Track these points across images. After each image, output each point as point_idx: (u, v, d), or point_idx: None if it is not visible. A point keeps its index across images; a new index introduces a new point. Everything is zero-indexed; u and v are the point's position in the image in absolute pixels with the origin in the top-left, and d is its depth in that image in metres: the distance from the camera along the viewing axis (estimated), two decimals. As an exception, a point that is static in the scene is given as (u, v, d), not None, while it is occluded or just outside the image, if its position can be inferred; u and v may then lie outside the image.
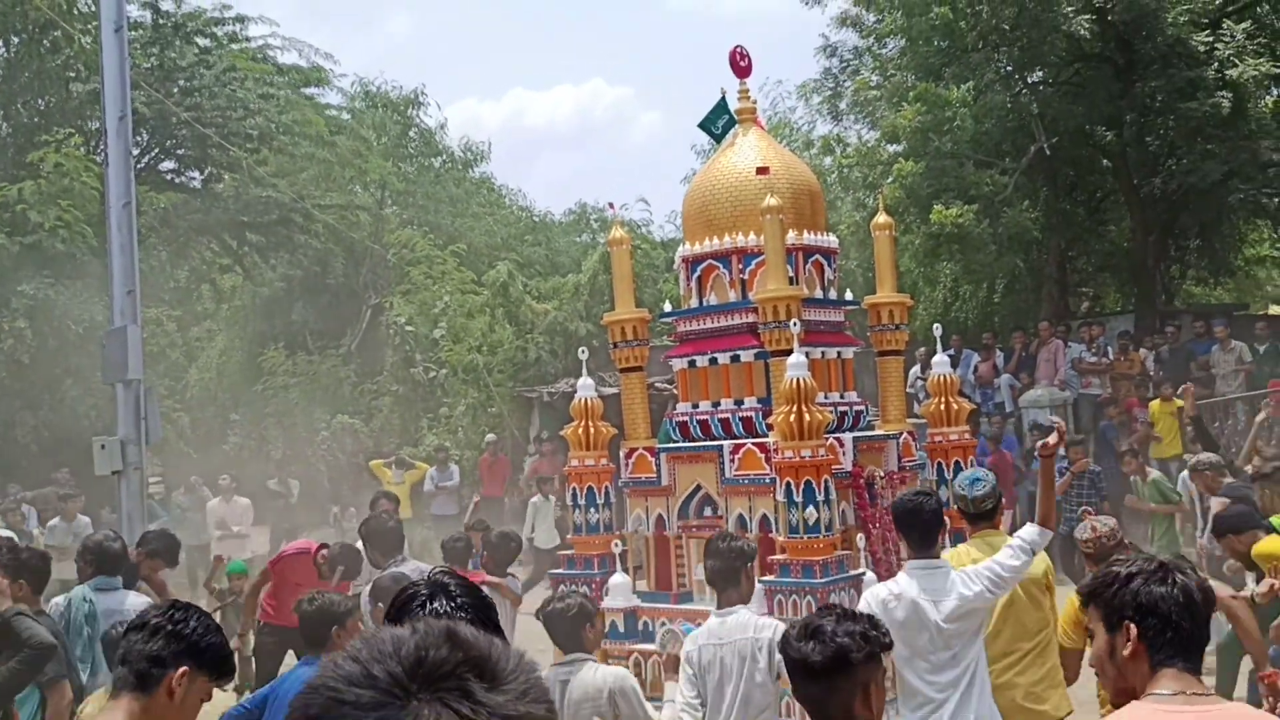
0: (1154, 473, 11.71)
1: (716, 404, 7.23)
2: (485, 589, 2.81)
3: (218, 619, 3.52)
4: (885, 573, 6.52)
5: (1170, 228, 18.87)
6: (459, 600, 2.40)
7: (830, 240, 7.59)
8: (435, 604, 2.37)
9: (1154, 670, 2.55)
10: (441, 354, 21.11)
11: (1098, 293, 22.20)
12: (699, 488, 7.09)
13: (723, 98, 7.58)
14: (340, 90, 29.09)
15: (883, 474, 7.05)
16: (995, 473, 6.71)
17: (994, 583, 4.99)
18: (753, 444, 6.79)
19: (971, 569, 5.07)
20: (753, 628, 5.02)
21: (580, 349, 8.02)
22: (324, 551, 8.30)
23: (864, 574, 6.33)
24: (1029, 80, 18.33)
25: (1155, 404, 13.89)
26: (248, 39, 24.99)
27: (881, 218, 7.92)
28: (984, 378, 16.17)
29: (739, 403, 7.13)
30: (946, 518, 5.94)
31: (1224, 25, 16.21)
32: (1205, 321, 15.77)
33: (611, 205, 26.59)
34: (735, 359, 7.15)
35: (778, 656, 4.83)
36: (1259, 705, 5.05)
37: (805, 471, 6.18)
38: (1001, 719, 5.05)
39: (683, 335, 7.61)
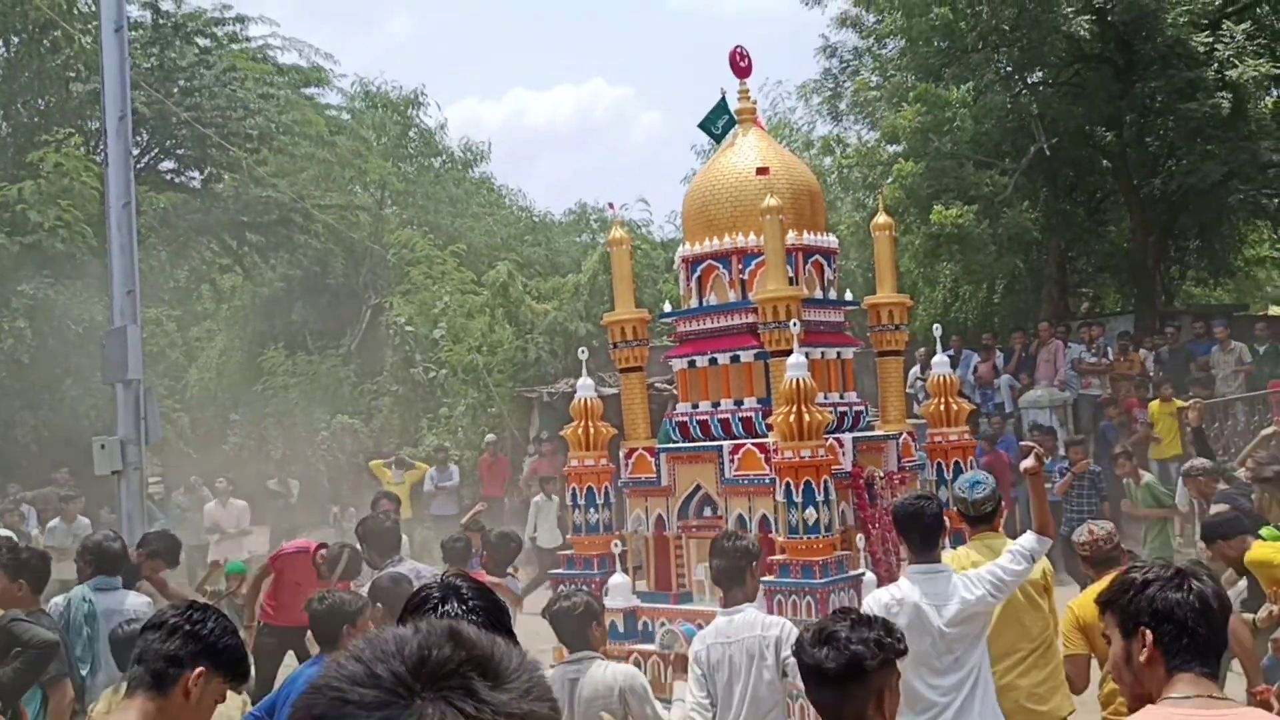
0: (1147, 476, 11.67)
1: (716, 404, 7.23)
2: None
3: None
4: (885, 573, 6.53)
5: (1170, 228, 18.87)
6: (471, 603, 2.39)
7: (830, 240, 7.59)
8: (447, 606, 2.36)
9: (1170, 675, 2.56)
10: (441, 354, 21.11)
11: (1098, 293, 22.20)
12: (699, 488, 7.09)
13: (723, 98, 7.58)
14: (340, 90, 29.13)
15: (882, 474, 7.06)
16: (991, 473, 6.72)
17: (996, 587, 5.01)
18: (752, 444, 6.79)
19: (973, 573, 5.08)
20: (760, 625, 5.03)
21: (580, 349, 8.02)
22: (323, 551, 8.30)
23: (863, 574, 6.34)
24: (1029, 81, 18.34)
25: (1155, 404, 13.89)
26: (248, 39, 25.00)
27: (881, 218, 7.93)
28: (984, 378, 16.16)
29: (739, 403, 7.13)
30: (946, 519, 5.94)
31: (1224, 26, 16.22)
32: (1205, 322, 15.78)
33: (611, 205, 26.59)
34: (735, 359, 7.16)
35: (784, 654, 4.85)
36: None
37: (805, 472, 6.19)
38: (1002, 717, 5.06)
39: (682, 335, 7.61)
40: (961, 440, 7.37)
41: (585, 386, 7.30)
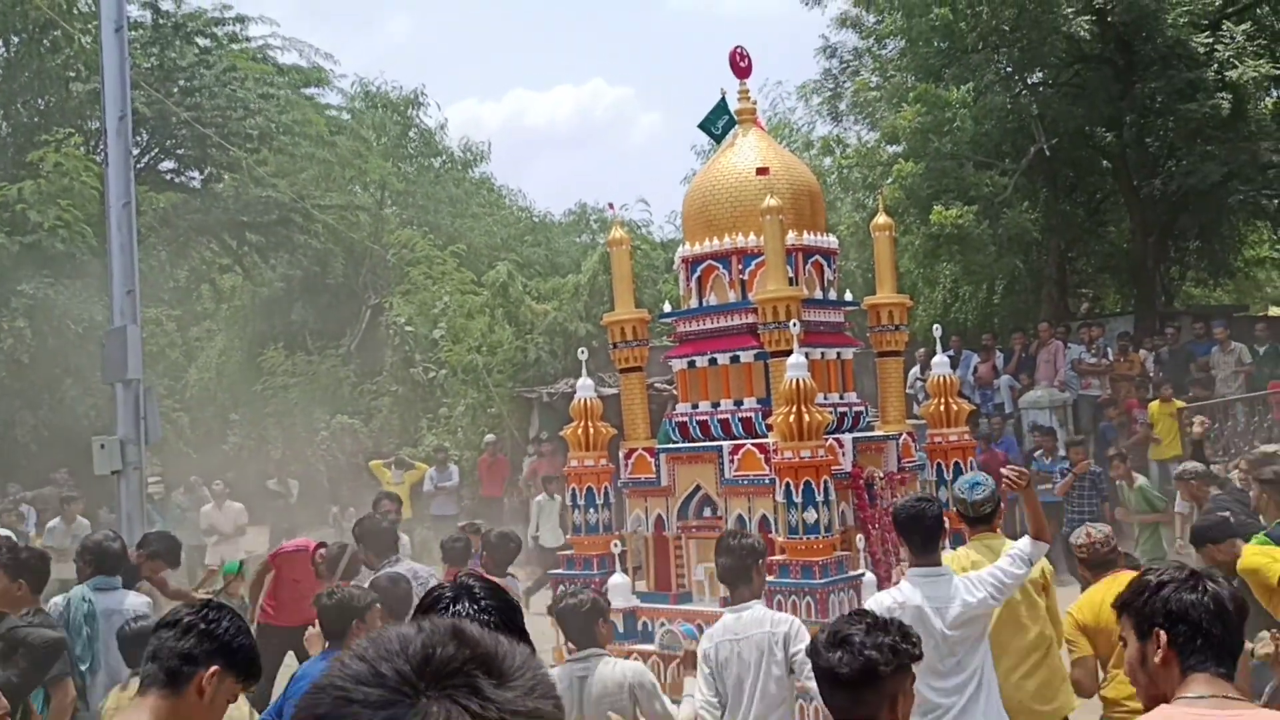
0: (1140, 479, 11.65)
1: (716, 404, 7.23)
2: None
3: None
4: (884, 574, 6.53)
5: (1170, 229, 18.87)
6: (483, 603, 2.38)
7: (830, 241, 7.59)
8: (459, 606, 2.36)
9: (1185, 676, 2.57)
10: (441, 354, 21.11)
11: (1097, 294, 22.20)
12: (698, 488, 7.08)
13: (723, 98, 7.58)
14: (340, 90, 29.16)
15: (882, 475, 7.05)
16: (986, 471, 6.72)
17: (997, 589, 5.05)
18: (752, 445, 6.79)
19: (974, 575, 5.11)
20: (769, 622, 5.06)
21: (580, 349, 8.02)
22: (322, 551, 8.30)
23: (863, 575, 6.34)
24: (1029, 81, 18.34)
25: (1155, 405, 13.89)
26: (248, 39, 25.02)
27: (881, 218, 7.92)
28: (983, 379, 16.16)
29: (738, 403, 7.13)
30: (946, 520, 5.95)
31: (1224, 26, 16.23)
32: (1205, 323, 15.78)
33: (611, 206, 26.55)
34: (735, 359, 7.15)
35: (793, 649, 4.86)
36: None
37: (805, 472, 6.19)
38: (1006, 718, 5.07)
39: (682, 336, 7.61)
40: (961, 441, 7.36)
41: (585, 387, 7.30)
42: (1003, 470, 5.45)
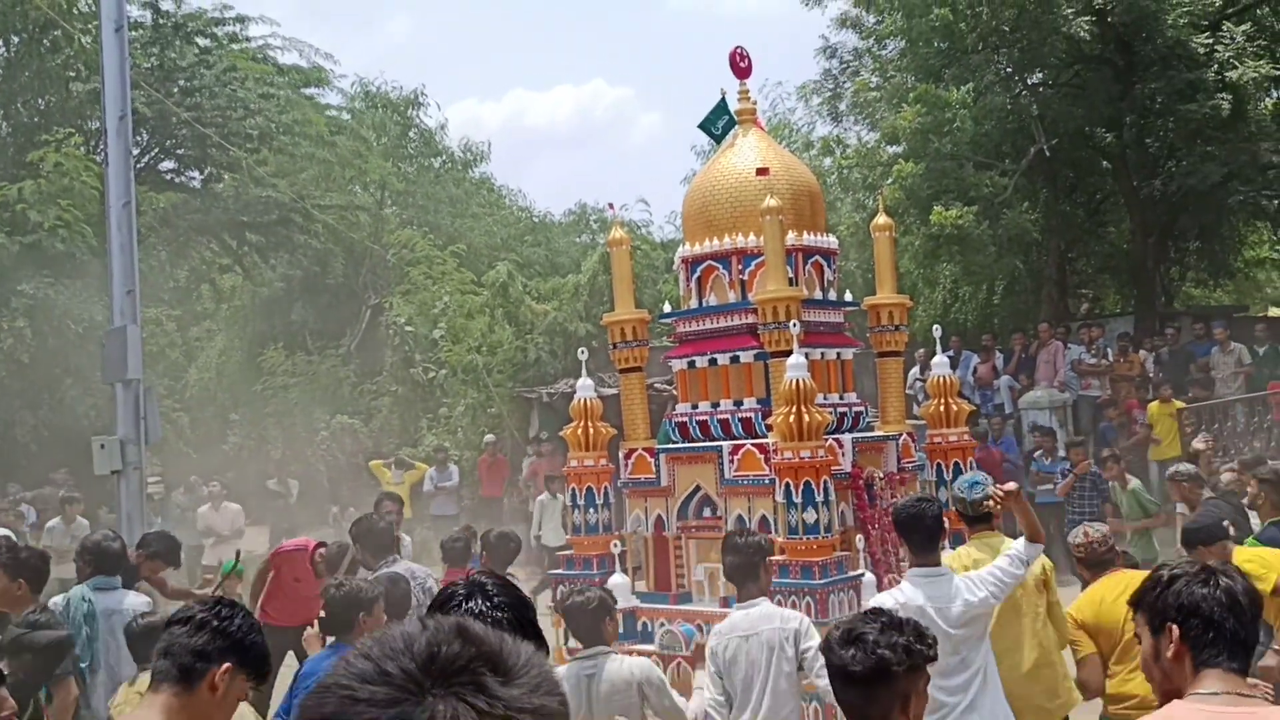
0: (1134, 481, 11.61)
1: (716, 405, 7.23)
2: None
3: None
4: (884, 574, 6.53)
5: (1170, 229, 18.88)
6: (496, 599, 2.37)
7: (830, 241, 7.59)
8: (472, 603, 2.34)
9: (1197, 671, 2.56)
10: (441, 354, 21.11)
11: (1097, 294, 22.20)
12: (698, 488, 7.08)
13: (723, 98, 7.58)
14: (340, 90, 29.20)
15: (882, 475, 7.05)
16: (983, 469, 6.72)
17: (998, 587, 5.08)
18: (752, 445, 6.78)
19: (975, 575, 5.13)
20: (779, 619, 5.07)
21: (580, 349, 8.02)
22: (321, 550, 8.30)
23: (863, 575, 6.34)
24: (1029, 82, 18.33)
25: (1154, 406, 13.89)
26: (248, 39, 25.04)
27: (881, 219, 7.92)
28: (983, 379, 16.16)
29: (738, 403, 7.13)
30: (946, 520, 5.95)
31: (1224, 27, 16.23)
32: (1205, 323, 15.78)
33: (611, 206, 26.58)
34: (735, 360, 7.15)
35: (803, 646, 4.87)
36: None
37: (804, 472, 6.19)
38: (1011, 715, 5.08)
39: (682, 336, 7.61)
40: (961, 441, 7.36)
41: (585, 387, 7.30)
42: (990, 490, 5.47)
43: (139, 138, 21.66)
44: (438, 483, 16.60)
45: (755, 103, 7.79)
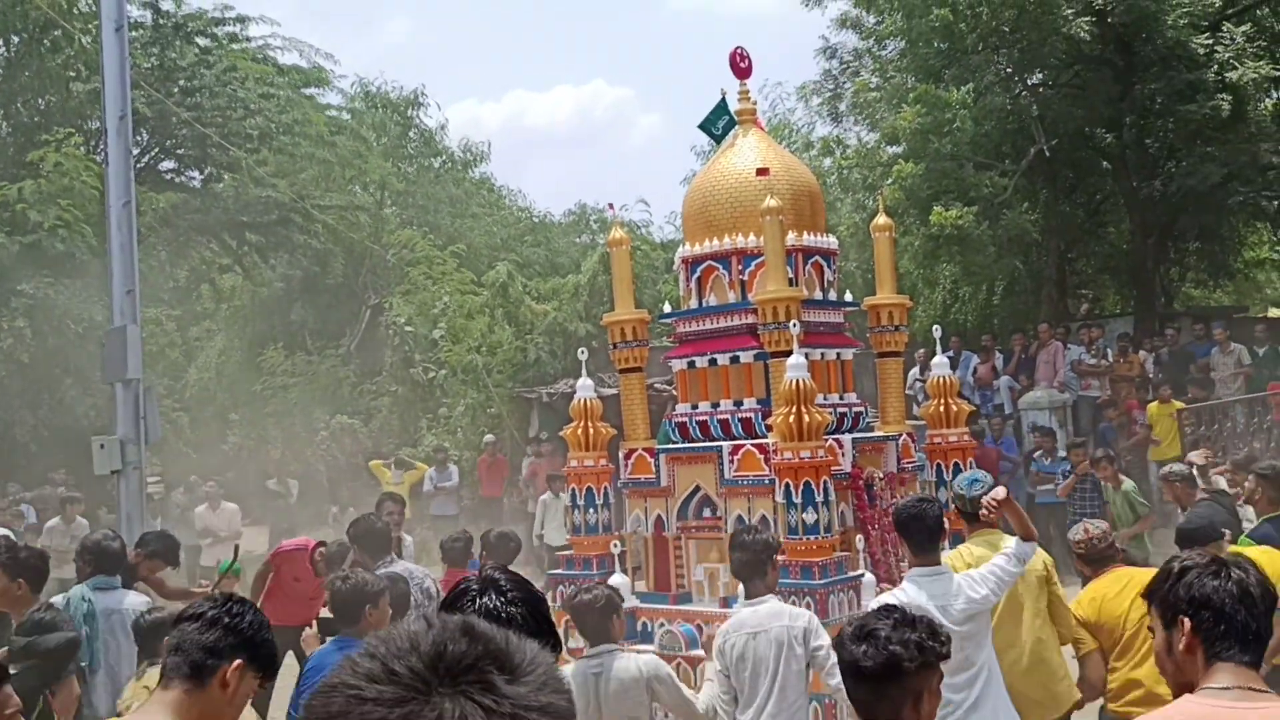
0: (1127, 482, 11.60)
1: (716, 405, 7.23)
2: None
3: None
4: (884, 574, 6.54)
5: (1170, 230, 18.88)
6: (510, 595, 2.36)
7: (830, 241, 7.59)
8: (486, 599, 2.33)
9: (1209, 664, 2.53)
10: (441, 354, 21.11)
11: (1097, 295, 22.20)
12: (698, 489, 7.08)
13: (723, 99, 7.58)
14: (340, 90, 29.20)
15: (882, 475, 7.06)
16: (979, 467, 6.72)
17: (998, 584, 5.10)
18: (752, 445, 6.79)
19: (975, 573, 5.15)
20: (786, 616, 5.08)
21: (580, 350, 8.02)
22: (321, 550, 8.30)
23: (863, 575, 6.34)
24: (1029, 82, 18.33)
25: (1154, 406, 13.90)
26: (248, 39, 25.03)
27: (881, 219, 7.93)
28: (983, 379, 16.16)
29: (738, 404, 7.13)
30: (946, 520, 5.96)
31: (1224, 28, 16.24)
32: (1204, 324, 15.78)
33: (611, 206, 26.61)
34: (735, 360, 7.15)
35: (814, 644, 4.87)
36: None
37: (804, 473, 6.19)
38: (1015, 712, 5.09)
39: (682, 336, 7.61)
40: (961, 441, 7.37)
41: (585, 387, 7.30)
42: (984, 499, 5.48)
43: (139, 138, 21.66)
44: (437, 483, 16.60)
45: (755, 103, 7.80)
